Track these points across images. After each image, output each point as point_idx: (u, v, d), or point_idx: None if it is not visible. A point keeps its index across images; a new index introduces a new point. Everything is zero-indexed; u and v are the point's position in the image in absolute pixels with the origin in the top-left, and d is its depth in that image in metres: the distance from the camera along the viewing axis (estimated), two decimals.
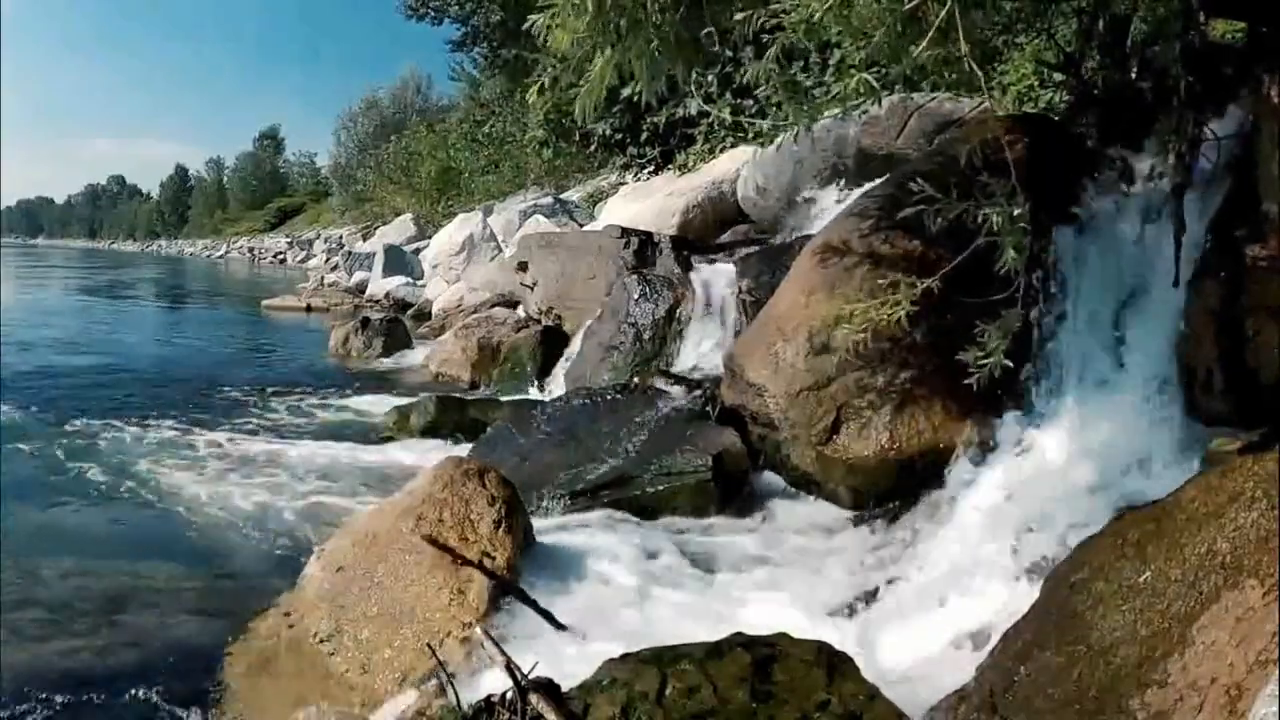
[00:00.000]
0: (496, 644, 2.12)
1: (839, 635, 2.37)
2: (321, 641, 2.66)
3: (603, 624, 2.59)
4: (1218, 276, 2.61)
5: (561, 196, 12.86)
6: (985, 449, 3.03)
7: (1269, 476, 1.70)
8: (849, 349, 3.08)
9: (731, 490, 3.50)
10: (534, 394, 6.27)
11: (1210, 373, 2.62)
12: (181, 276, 31.56)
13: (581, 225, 10.51)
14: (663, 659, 2.02)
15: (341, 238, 27.95)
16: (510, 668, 1.98)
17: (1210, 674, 1.51)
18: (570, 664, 2.24)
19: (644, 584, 2.88)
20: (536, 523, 3.16)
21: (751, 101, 8.62)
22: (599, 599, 2.75)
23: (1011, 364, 2.32)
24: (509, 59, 17.92)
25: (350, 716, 2.41)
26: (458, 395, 6.08)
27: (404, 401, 5.73)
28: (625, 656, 2.09)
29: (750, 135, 8.08)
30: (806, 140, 6.00)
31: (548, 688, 1.95)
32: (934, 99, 5.64)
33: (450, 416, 5.23)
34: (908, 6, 2.12)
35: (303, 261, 32.32)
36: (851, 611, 2.70)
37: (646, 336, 5.40)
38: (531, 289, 7.68)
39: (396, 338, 8.94)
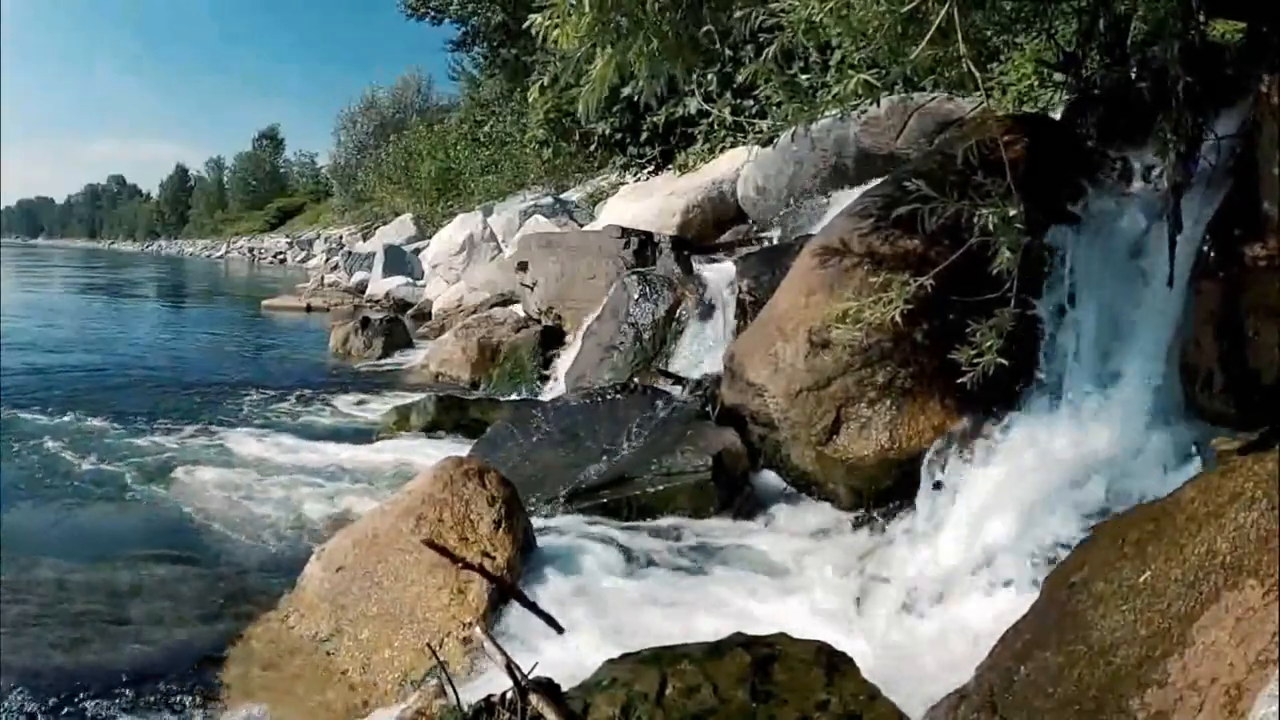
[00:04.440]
0: (496, 644, 2.12)
1: (839, 635, 2.37)
2: (321, 641, 2.66)
3: (602, 624, 2.59)
4: (1217, 276, 2.61)
5: (561, 196, 12.86)
6: (985, 449, 3.03)
7: (1269, 476, 1.70)
8: (848, 347, 3.08)
9: (731, 490, 3.50)
10: (534, 394, 6.27)
11: (1210, 373, 2.62)
12: (182, 276, 31.57)
13: (581, 225, 10.51)
14: (662, 659, 2.03)
15: (341, 238, 27.96)
16: (510, 668, 1.98)
17: (1210, 674, 1.51)
18: (570, 664, 2.24)
19: (644, 584, 2.88)
20: (536, 523, 3.17)
21: (751, 101, 8.61)
22: (599, 599, 2.75)
23: (1006, 362, 2.31)
24: (509, 59, 17.93)
25: (350, 716, 2.41)
26: (458, 395, 6.08)
27: (404, 401, 5.73)
28: (625, 656, 2.09)
29: (750, 135, 8.09)
30: (806, 140, 6.00)
31: (548, 688, 1.95)
32: (934, 99, 5.65)
33: (450, 416, 5.24)
34: (907, 7, 2.12)
35: (303, 261, 32.33)
36: (852, 611, 2.70)
37: (646, 336, 5.40)
38: (531, 289, 7.67)
39: (396, 338, 8.95)
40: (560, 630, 2.53)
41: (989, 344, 2.25)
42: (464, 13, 18.68)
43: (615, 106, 10.55)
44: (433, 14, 19.35)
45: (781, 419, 3.44)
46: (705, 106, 8.82)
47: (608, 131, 11.49)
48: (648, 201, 8.80)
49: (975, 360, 2.28)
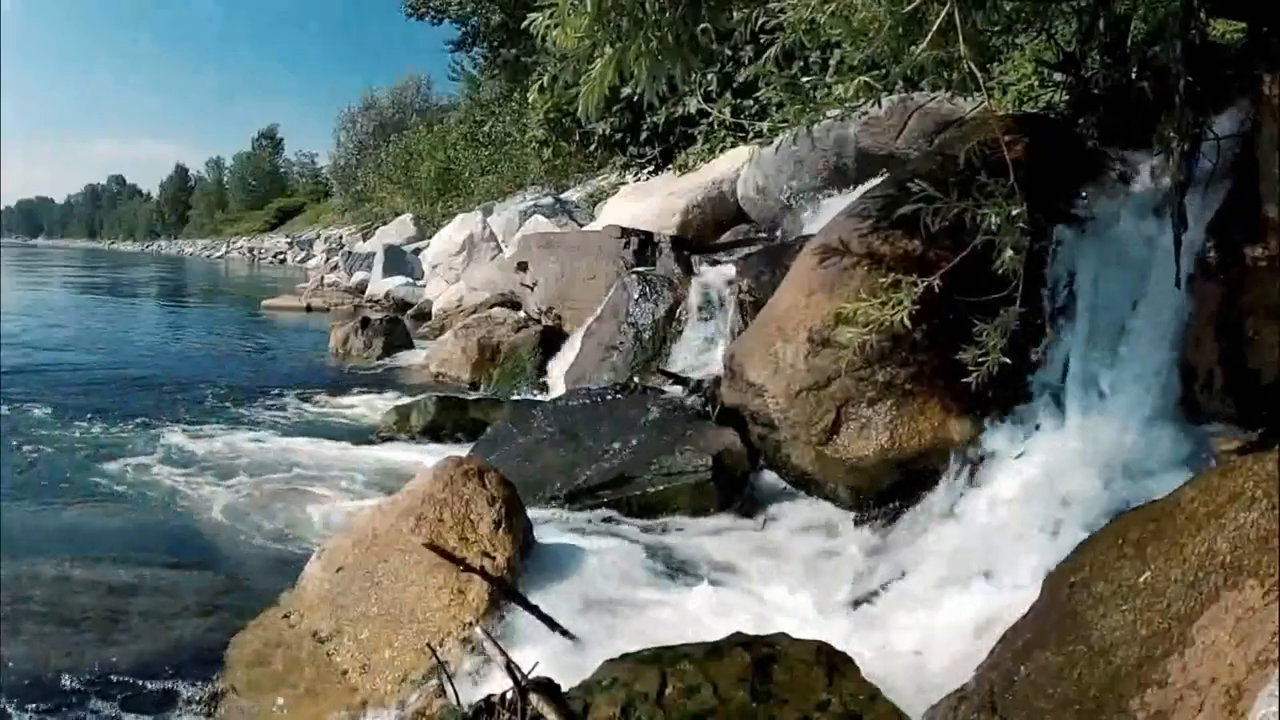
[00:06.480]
0: (496, 644, 2.12)
1: (839, 635, 2.37)
2: (321, 641, 2.65)
3: (602, 624, 2.59)
4: (1218, 277, 2.61)
5: (561, 196, 12.86)
6: (985, 449, 3.03)
7: (1269, 476, 1.70)
8: (854, 348, 3.08)
9: (732, 490, 3.50)
10: (534, 394, 6.27)
11: (1210, 373, 2.62)
12: (182, 276, 31.59)
13: (581, 225, 10.50)
14: (662, 659, 2.03)
15: (341, 238, 27.97)
16: (510, 668, 1.98)
17: (1210, 674, 1.51)
18: (570, 664, 2.24)
19: (644, 584, 2.88)
20: (536, 522, 3.16)
21: (751, 101, 8.61)
22: (599, 599, 2.75)
23: (1010, 363, 2.31)
24: (509, 59, 17.93)
25: (350, 716, 2.41)
26: (458, 395, 6.08)
27: (404, 401, 5.73)
28: (625, 656, 2.09)
29: (750, 135, 8.08)
30: (806, 140, 5.99)
31: (548, 687, 1.95)
32: (934, 99, 5.64)
33: (450, 416, 5.24)
34: (908, 8, 2.11)
35: (302, 261, 32.34)
36: (852, 611, 2.70)
37: (646, 336, 5.40)
38: (531, 289, 7.67)
39: (396, 338, 8.94)
40: (565, 633, 2.52)
41: (993, 343, 2.25)
42: (464, 13, 18.68)
43: (615, 106, 10.54)
44: (433, 14, 19.35)
45: (781, 419, 3.44)
46: (705, 106, 8.83)
47: (608, 131, 11.49)
48: (648, 201, 8.79)
49: (980, 360, 2.28)
